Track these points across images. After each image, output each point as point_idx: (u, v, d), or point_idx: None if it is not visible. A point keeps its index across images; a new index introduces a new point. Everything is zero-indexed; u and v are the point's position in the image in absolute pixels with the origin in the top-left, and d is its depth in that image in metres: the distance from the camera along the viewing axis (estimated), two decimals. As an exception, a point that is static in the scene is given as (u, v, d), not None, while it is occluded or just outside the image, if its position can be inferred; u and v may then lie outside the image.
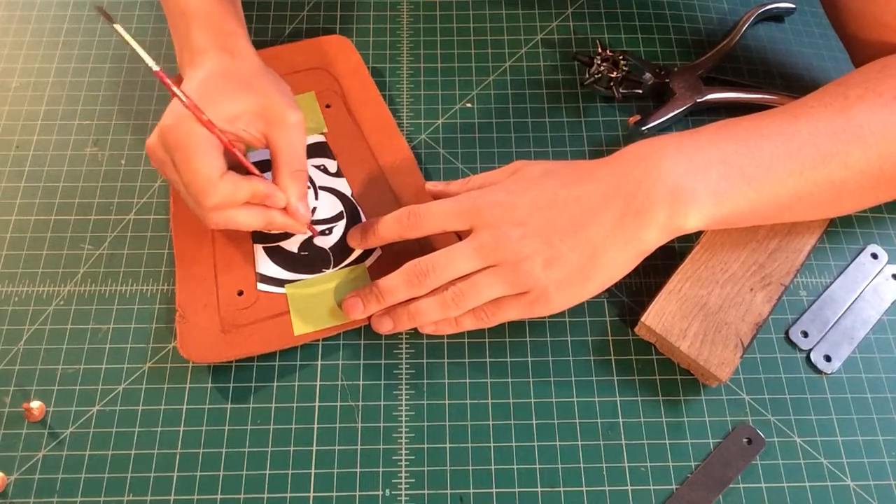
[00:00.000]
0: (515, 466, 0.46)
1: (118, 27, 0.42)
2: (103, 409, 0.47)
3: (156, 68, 0.42)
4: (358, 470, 0.46)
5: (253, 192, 0.46)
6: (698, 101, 0.57)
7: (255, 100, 0.47)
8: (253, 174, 0.47)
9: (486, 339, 0.50)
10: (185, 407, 0.47)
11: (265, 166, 0.49)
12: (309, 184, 0.51)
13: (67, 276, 0.52)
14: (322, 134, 0.57)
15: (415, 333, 0.50)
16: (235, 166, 0.46)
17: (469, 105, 0.59)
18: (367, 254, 0.52)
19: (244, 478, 0.45)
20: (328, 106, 0.58)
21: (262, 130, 0.47)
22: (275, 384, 0.48)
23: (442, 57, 0.62)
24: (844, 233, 0.54)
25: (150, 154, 0.47)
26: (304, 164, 0.48)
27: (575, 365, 0.49)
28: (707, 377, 0.47)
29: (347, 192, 0.54)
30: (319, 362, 0.49)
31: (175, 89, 0.44)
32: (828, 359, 0.49)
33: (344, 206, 0.54)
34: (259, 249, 0.52)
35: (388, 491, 0.45)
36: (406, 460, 0.46)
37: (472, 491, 0.45)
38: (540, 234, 0.44)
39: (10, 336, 0.49)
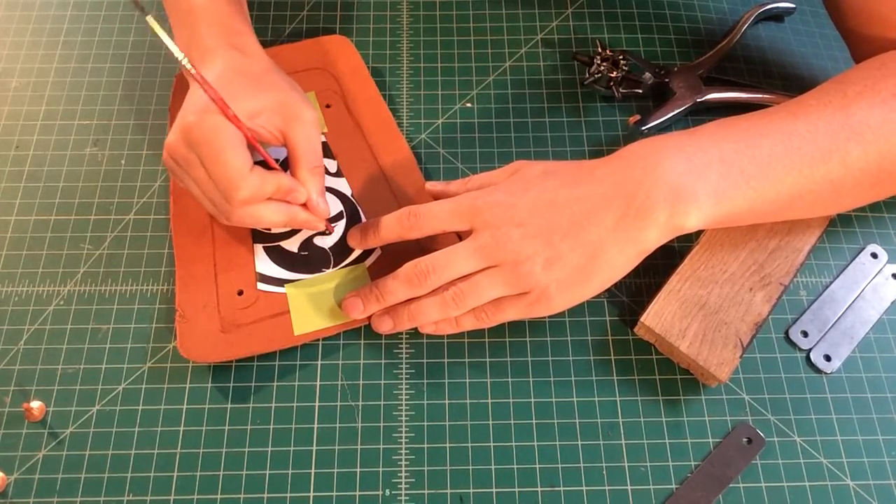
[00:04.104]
0: (515, 466, 0.46)
1: (150, 19, 0.42)
2: (103, 409, 0.47)
3: (184, 62, 0.42)
4: (358, 470, 0.46)
5: (277, 186, 0.46)
6: (698, 100, 0.57)
7: (273, 97, 0.47)
8: (275, 169, 0.47)
9: (486, 339, 0.50)
10: (185, 407, 0.47)
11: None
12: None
13: (67, 276, 0.52)
14: (322, 134, 0.57)
15: (415, 333, 0.50)
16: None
17: (469, 105, 0.59)
18: (367, 254, 0.52)
19: (244, 478, 0.45)
20: (328, 106, 0.58)
21: (279, 127, 0.47)
22: (275, 384, 0.48)
23: (442, 57, 0.62)
24: (844, 232, 0.54)
25: (172, 153, 0.46)
26: (321, 161, 0.48)
27: (575, 365, 0.49)
28: (707, 377, 0.47)
29: (347, 192, 0.54)
30: (319, 362, 0.49)
31: (202, 83, 0.43)
32: (828, 358, 0.49)
33: (344, 206, 0.54)
34: (259, 249, 0.52)
35: (388, 491, 0.45)
36: (406, 460, 0.46)
37: (472, 491, 0.45)
38: (540, 235, 0.44)
39: (10, 336, 0.50)
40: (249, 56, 0.48)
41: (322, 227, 0.50)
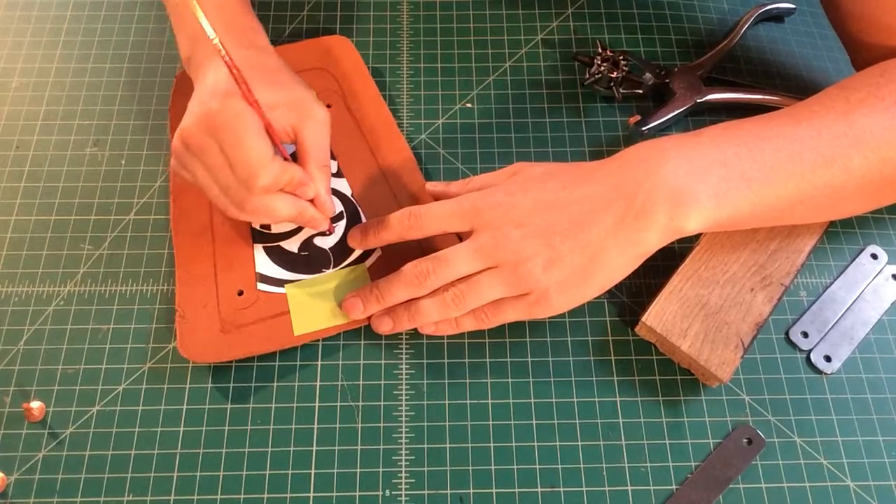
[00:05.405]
0: (515, 466, 0.46)
1: (193, 1, 0.41)
2: (103, 409, 0.47)
3: (216, 41, 0.41)
4: (358, 470, 0.46)
5: (291, 177, 0.46)
6: (698, 101, 0.57)
7: (287, 93, 0.47)
8: (288, 161, 0.47)
9: (486, 340, 0.50)
10: (185, 407, 0.47)
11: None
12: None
13: (67, 276, 0.52)
14: (322, 134, 0.57)
15: (415, 333, 0.50)
16: None
17: (469, 105, 0.59)
18: (367, 254, 0.52)
19: (244, 478, 0.45)
20: (328, 106, 0.58)
21: (291, 123, 0.47)
22: (275, 384, 0.48)
23: (442, 57, 0.62)
24: (844, 233, 0.54)
25: (186, 139, 0.45)
26: (328, 160, 0.48)
27: (575, 365, 0.49)
28: (708, 377, 0.47)
29: (347, 192, 0.54)
30: (319, 362, 0.49)
31: (230, 65, 0.42)
32: (828, 359, 0.49)
33: (344, 206, 0.54)
34: (259, 249, 0.52)
35: (388, 491, 0.45)
36: (406, 460, 0.46)
37: (472, 491, 0.45)
38: (540, 236, 0.44)
39: (10, 336, 0.49)
40: (262, 53, 0.48)
41: (325, 227, 0.50)
